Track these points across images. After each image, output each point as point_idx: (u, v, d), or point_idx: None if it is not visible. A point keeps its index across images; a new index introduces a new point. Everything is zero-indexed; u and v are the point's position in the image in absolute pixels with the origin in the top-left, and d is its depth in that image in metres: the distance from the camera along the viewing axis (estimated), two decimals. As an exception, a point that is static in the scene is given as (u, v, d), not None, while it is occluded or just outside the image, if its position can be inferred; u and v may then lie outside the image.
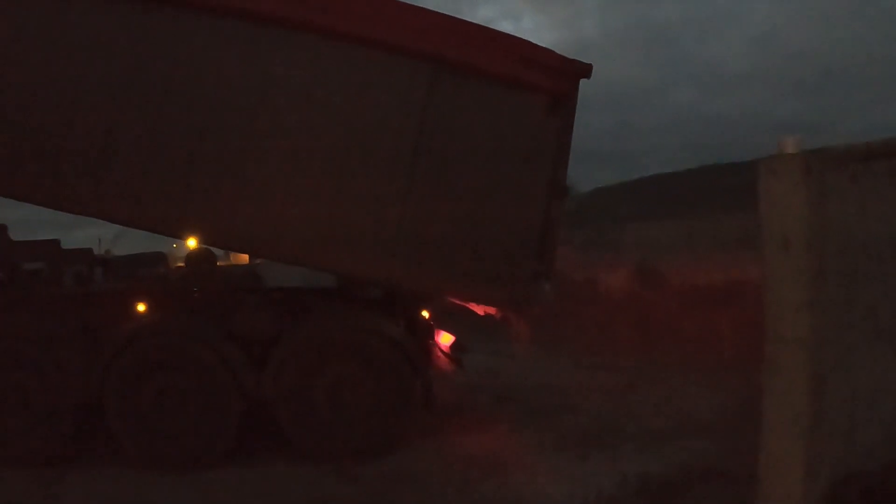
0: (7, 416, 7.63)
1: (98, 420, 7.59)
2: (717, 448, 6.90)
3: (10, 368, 7.63)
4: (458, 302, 8.52)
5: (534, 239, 7.30)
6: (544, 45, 7.36)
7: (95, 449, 7.79)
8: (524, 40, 7.34)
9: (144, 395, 7.48)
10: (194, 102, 7.17)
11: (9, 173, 7.26)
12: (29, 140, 7.16)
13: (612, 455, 7.10)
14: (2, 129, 7.18)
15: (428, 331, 8.45)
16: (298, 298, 8.13)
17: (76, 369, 7.53)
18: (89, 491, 7.00)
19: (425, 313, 8.45)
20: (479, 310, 8.32)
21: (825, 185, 3.64)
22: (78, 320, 7.90)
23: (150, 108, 7.15)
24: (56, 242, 10.30)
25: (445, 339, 8.58)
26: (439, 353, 8.47)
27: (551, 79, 7.19)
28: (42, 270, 8.95)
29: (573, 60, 7.29)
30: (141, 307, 7.98)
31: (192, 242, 9.46)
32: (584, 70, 7.31)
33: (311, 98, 7.18)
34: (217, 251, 8.97)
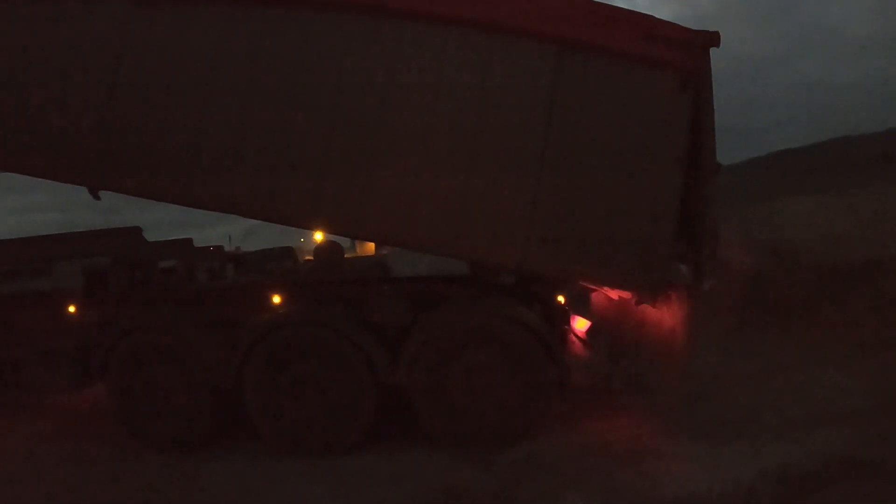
0: (149, 405, 8.03)
1: (236, 409, 7.86)
2: (858, 437, 6.62)
3: (152, 360, 8.01)
4: (592, 286, 8.42)
5: (668, 220, 7.12)
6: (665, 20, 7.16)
7: (233, 437, 8.08)
8: (647, 15, 7.16)
9: (281, 383, 7.68)
10: (321, 98, 7.26)
11: (144, 174, 7.56)
12: (163, 142, 7.44)
13: (749, 444, 6.87)
14: (135, 132, 7.48)
15: (563, 316, 8.37)
16: (431, 286, 8.20)
17: (214, 360, 7.83)
18: (227, 477, 7.25)
19: (560, 298, 8.37)
20: (614, 294, 8.20)
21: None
22: (213, 314, 8.23)
23: (279, 106, 7.30)
24: (188, 241, 10.71)
25: (581, 324, 8.50)
26: (575, 339, 8.40)
27: (678, 52, 6.99)
28: (176, 268, 9.31)
29: (699, 31, 7.06)
30: (275, 299, 8.22)
31: (319, 236, 9.66)
32: (712, 39, 7.06)
33: (436, 87, 7.19)
34: (344, 243, 9.12)
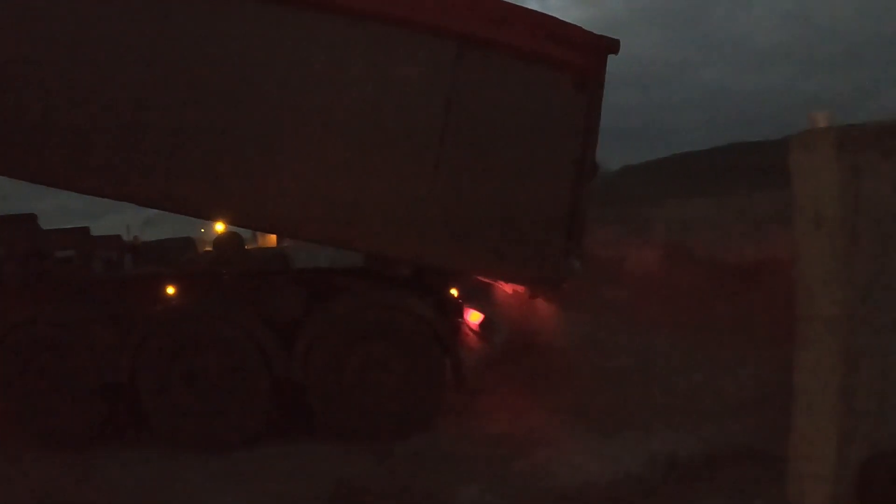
0: (40, 398, 7.75)
1: (129, 401, 7.69)
2: (747, 427, 6.84)
3: (43, 352, 7.74)
4: (487, 280, 8.52)
5: (563, 216, 7.27)
6: (572, 22, 7.30)
7: (126, 430, 7.88)
8: (550, 16, 7.29)
9: (174, 376, 7.55)
10: (220, 88, 7.19)
11: (36, 158, 7.31)
12: (56, 124, 7.20)
13: (640, 434, 7.06)
14: (27, 113, 7.20)
15: (457, 309, 8.45)
16: (327, 278, 8.19)
17: (107, 352, 7.62)
18: (121, 473, 7.07)
19: (454, 291, 8.45)
20: (508, 288, 8.31)
21: (857, 161, 3.59)
22: (108, 305, 8.02)
23: (176, 94, 7.18)
24: (86, 230, 10.43)
25: (474, 317, 8.59)
26: (469, 332, 8.48)
27: (579, 55, 7.14)
28: (73, 257, 9.05)
29: (601, 36, 7.23)
30: (171, 291, 8.07)
31: (219, 227, 9.53)
32: (612, 46, 7.25)
33: (336, 79, 7.19)
34: (244, 235, 9.02)
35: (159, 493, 6.60)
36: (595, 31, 7.23)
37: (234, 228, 9.08)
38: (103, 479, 6.93)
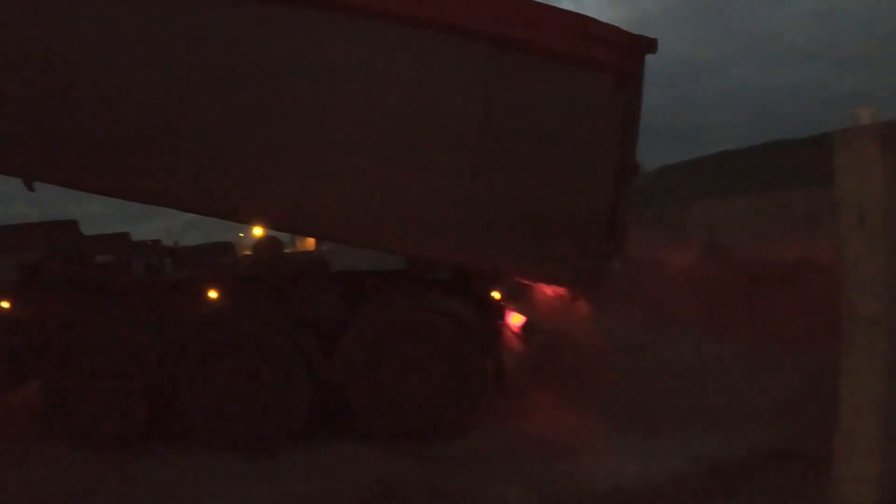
0: (83, 400, 7.88)
1: (171, 403, 7.79)
2: (789, 429, 6.78)
3: (86, 354, 7.88)
4: (527, 282, 8.50)
5: (603, 218, 7.24)
6: (607, 22, 7.27)
7: (168, 431, 7.98)
8: (587, 17, 7.24)
9: (216, 378, 7.64)
10: (260, 93, 7.24)
11: (80, 166, 7.46)
12: (99, 133, 7.32)
13: (682, 435, 7.03)
14: (70, 123, 7.33)
15: (498, 312, 8.46)
16: (367, 281, 8.19)
17: (149, 354, 7.74)
18: (162, 474, 7.16)
19: (495, 294, 8.45)
20: (549, 290, 8.30)
21: (904, 157, 3.55)
22: (150, 309, 8.12)
23: (218, 100, 7.25)
24: (125, 235, 10.55)
25: (516, 319, 8.57)
26: (509, 334, 8.48)
27: (616, 55, 7.10)
28: (113, 262, 9.17)
29: (638, 36, 7.18)
30: (211, 294, 8.16)
31: (258, 231, 9.60)
32: (650, 45, 7.20)
33: (374, 82, 7.21)
34: (283, 238, 9.08)
35: (200, 493, 6.66)
36: (629, 31, 7.19)
37: (273, 232, 9.15)
38: (145, 480, 7.03)
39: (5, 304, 8.43)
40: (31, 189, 7.79)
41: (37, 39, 7.34)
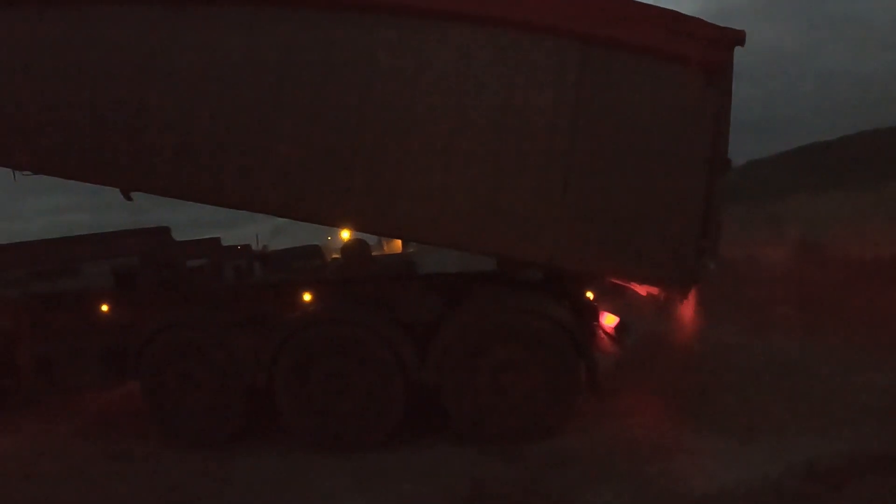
0: (181, 402, 8.14)
1: (267, 405, 7.94)
2: (890, 434, 6.60)
3: (183, 358, 8.12)
4: (620, 282, 8.42)
5: (696, 215, 7.12)
6: (692, 16, 7.15)
7: (265, 432, 8.17)
8: (673, 11, 7.15)
9: (312, 379, 7.76)
10: (349, 97, 7.35)
11: (174, 175, 7.69)
12: (192, 142, 7.58)
13: (777, 439, 6.89)
14: (165, 133, 7.61)
15: (592, 312, 8.40)
16: (460, 283, 8.24)
17: (245, 358, 7.92)
18: (258, 472, 7.34)
19: (588, 294, 8.39)
20: (642, 290, 8.21)
21: None
22: (243, 312, 8.32)
23: (308, 106, 7.41)
24: (216, 240, 10.85)
25: (609, 320, 8.50)
26: (603, 335, 8.41)
27: (704, 49, 6.98)
28: (205, 266, 9.41)
29: (725, 28, 7.06)
30: (304, 297, 8.31)
31: (346, 234, 9.72)
32: (738, 37, 7.05)
33: (463, 85, 7.24)
34: (371, 242, 9.18)
35: (296, 493, 6.81)
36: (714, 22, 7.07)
37: (361, 235, 9.26)
38: (241, 479, 7.20)
39: (103, 308, 8.75)
40: (128, 198, 8.07)
41: (133, 52, 7.62)
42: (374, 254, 9.63)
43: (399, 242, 17.50)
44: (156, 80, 7.60)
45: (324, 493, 6.74)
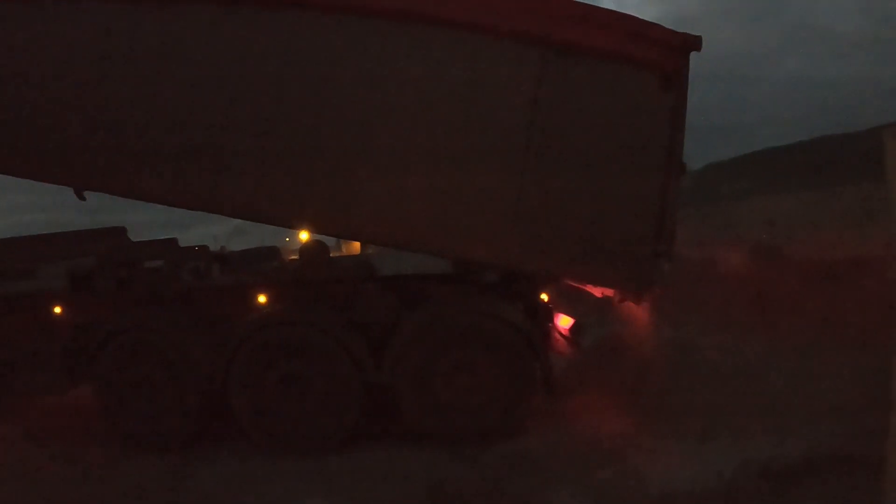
0: (136, 405, 8.03)
1: (223, 407, 7.88)
2: (843, 432, 6.67)
3: (138, 360, 8.02)
4: (576, 284, 8.47)
5: (651, 218, 7.20)
6: (650, 21, 7.24)
7: (221, 435, 8.11)
8: (631, 16, 7.24)
9: (268, 381, 7.71)
10: (307, 98, 7.36)
11: (130, 174, 7.62)
12: (148, 142, 7.50)
13: (733, 439, 6.94)
14: (121, 132, 7.53)
15: (547, 314, 8.44)
16: (416, 285, 8.24)
17: (201, 359, 7.86)
18: (215, 476, 7.28)
19: (544, 296, 8.44)
20: (597, 292, 8.26)
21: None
22: (200, 313, 8.27)
23: (265, 106, 7.39)
24: (174, 241, 10.70)
25: (564, 321, 8.56)
26: (558, 336, 8.46)
27: (661, 54, 7.07)
28: (162, 268, 9.31)
29: (682, 34, 7.14)
30: (261, 299, 8.26)
31: (304, 235, 9.66)
32: (694, 43, 7.15)
33: (422, 87, 7.26)
34: (330, 243, 9.15)
35: (251, 495, 6.75)
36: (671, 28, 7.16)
37: (319, 237, 9.21)
38: (198, 483, 7.14)
39: (57, 310, 8.62)
40: (81, 198, 7.96)
41: (91, 50, 7.53)
42: (332, 255, 9.57)
43: (358, 244, 17.46)
44: (110, 78, 7.52)
45: (282, 496, 6.71)
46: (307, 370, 7.68)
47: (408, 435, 7.71)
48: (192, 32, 7.47)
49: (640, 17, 7.20)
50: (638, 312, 7.93)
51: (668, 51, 7.10)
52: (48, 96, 7.64)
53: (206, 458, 7.74)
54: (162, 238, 10.93)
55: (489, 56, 7.19)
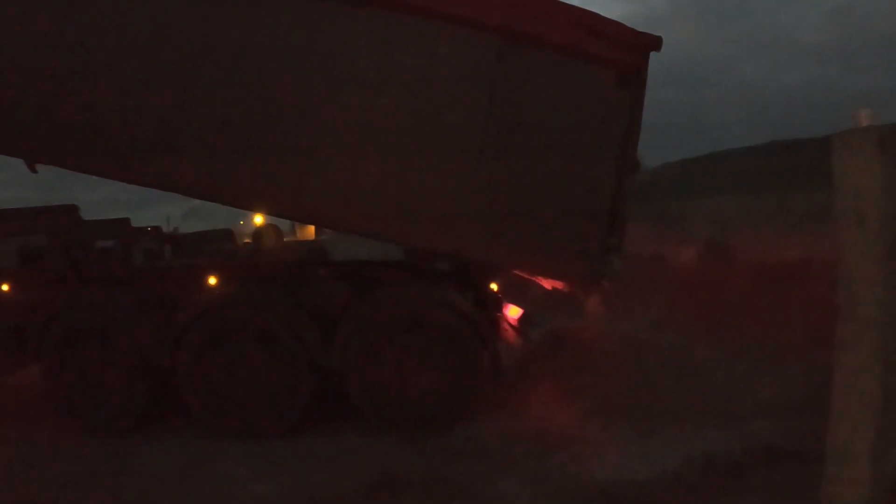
0: (83, 386, 7.93)
1: (170, 389, 7.81)
2: (785, 428, 6.80)
3: (85, 339, 7.92)
4: (526, 275, 8.54)
5: (603, 213, 7.26)
6: (613, 19, 7.29)
7: (169, 419, 8.04)
8: (592, 12, 7.27)
9: (216, 365, 7.66)
10: (264, 79, 7.29)
11: (84, 148, 7.49)
12: (103, 116, 7.38)
13: (677, 432, 7.06)
14: (75, 105, 7.39)
15: (496, 304, 8.49)
16: (367, 271, 8.23)
17: (149, 339, 7.77)
18: (162, 458, 7.23)
19: (494, 286, 8.48)
20: (547, 284, 8.33)
21: (902, 159, 3.55)
22: (150, 294, 8.18)
23: (221, 86, 7.30)
24: (126, 221, 10.57)
25: (513, 312, 8.61)
26: (507, 327, 8.52)
27: (620, 52, 7.12)
28: (113, 248, 9.19)
29: (642, 33, 7.20)
30: (211, 281, 8.20)
31: (258, 219, 9.63)
32: (654, 43, 7.22)
33: (380, 72, 7.23)
34: (284, 227, 9.12)
35: (200, 480, 6.69)
36: (636, 27, 7.21)
37: (274, 220, 9.18)
38: (144, 466, 7.07)
39: (5, 288, 8.47)
40: (33, 171, 7.83)
41: (44, 21, 7.38)
42: (286, 240, 9.54)
43: (312, 229, 17.42)
44: (63, 48, 7.37)
45: (229, 480, 6.65)
46: (256, 354, 7.63)
47: (356, 421, 7.70)
48: (148, 9, 7.36)
49: (606, 14, 7.18)
50: (587, 306, 8.02)
51: (628, 49, 7.16)
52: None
53: (154, 441, 7.67)
54: (114, 217, 10.78)
55: (449, 44, 7.18)
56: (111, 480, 6.76)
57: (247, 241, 12.23)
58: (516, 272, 8.54)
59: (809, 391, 7.05)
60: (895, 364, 3.63)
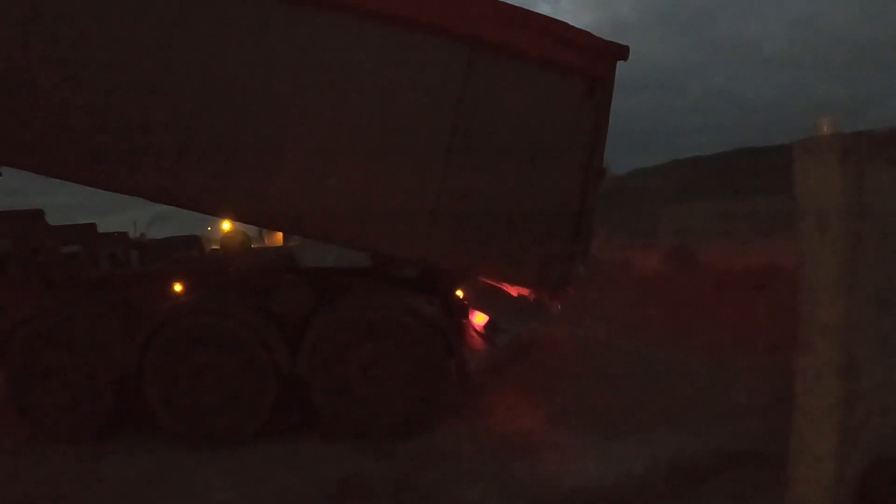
0: (48, 393, 7.81)
1: (136, 396, 7.73)
2: (749, 432, 6.85)
3: (50, 347, 7.80)
4: (492, 282, 8.57)
5: (570, 220, 7.32)
6: (581, 27, 7.36)
7: (134, 426, 7.97)
8: (561, 21, 7.34)
9: (181, 371, 7.60)
10: (231, 84, 7.27)
11: (46, 153, 7.39)
12: (68, 119, 7.29)
13: (643, 437, 7.10)
14: (40, 108, 7.28)
15: (462, 310, 8.51)
16: (333, 278, 8.22)
17: (114, 347, 7.69)
18: (127, 466, 7.15)
19: (459, 293, 8.50)
20: (513, 290, 8.36)
21: (862, 167, 3.60)
22: (115, 301, 8.09)
23: (187, 90, 7.27)
24: (92, 226, 10.47)
25: (479, 318, 8.63)
26: (473, 333, 8.53)
27: (588, 60, 7.19)
28: (79, 253, 9.09)
29: (610, 42, 7.28)
30: (178, 287, 8.12)
31: (226, 226, 9.58)
32: (621, 52, 7.30)
33: (349, 78, 7.25)
34: (252, 234, 9.09)
35: (163, 487, 6.66)
36: (605, 35, 7.32)
37: (241, 227, 9.15)
38: (111, 475, 6.99)
39: None
40: None
41: (7, 27, 7.29)
42: (253, 246, 9.49)
43: (280, 235, 17.39)
44: (30, 54, 7.28)
45: (195, 488, 6.62)
46: (222, 361, 7.59)
47: (321, 428, 7.69)
48: (109, 13, 7.28)
49: (574, 22, 7.31)
50: (552, 312, 8.04)
51: (595, 58, 7.23)
52: None
53: (120, 450, 7.60)
54: (81, 223, 10.68)
55: (416, 52, 7.23)
56: (80, 488, 6.68)
57: (214, 247, 12.17)
58: (482, 279, 8.57)
59: (773, 395, 7.12)
60: (857, 369, 3.67)
